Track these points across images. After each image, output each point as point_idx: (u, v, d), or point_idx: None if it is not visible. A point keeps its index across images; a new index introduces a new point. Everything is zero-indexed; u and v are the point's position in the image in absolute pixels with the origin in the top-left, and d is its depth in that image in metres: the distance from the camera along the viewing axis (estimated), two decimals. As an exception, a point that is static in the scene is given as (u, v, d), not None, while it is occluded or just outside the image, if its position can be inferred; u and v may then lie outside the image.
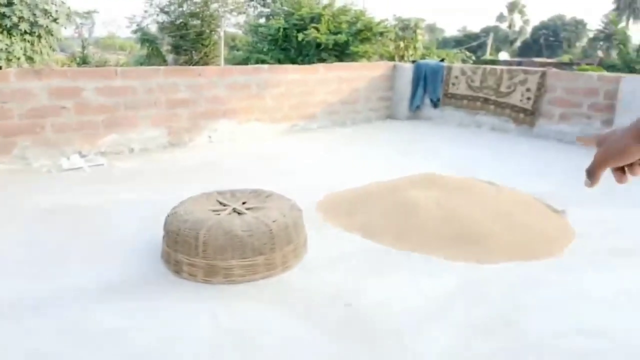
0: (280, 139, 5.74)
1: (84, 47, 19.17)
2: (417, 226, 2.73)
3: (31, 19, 11.40)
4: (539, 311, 2.05)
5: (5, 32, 11.20)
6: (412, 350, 1.81)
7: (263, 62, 10.53)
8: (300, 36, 10.81)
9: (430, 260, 2.50)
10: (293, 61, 10.73)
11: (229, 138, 5.56)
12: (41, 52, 12.24)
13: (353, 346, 1.83)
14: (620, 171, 0.85)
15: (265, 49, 11.89)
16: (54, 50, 13.35)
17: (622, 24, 15.34)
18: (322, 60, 10.00)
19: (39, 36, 12.07)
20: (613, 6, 38.17)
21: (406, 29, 12.51)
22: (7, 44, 11.27)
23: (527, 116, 5.91)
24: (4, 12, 10.92)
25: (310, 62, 9.75)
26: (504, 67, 6.36)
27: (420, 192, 3.04)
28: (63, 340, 1.86)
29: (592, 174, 0.86)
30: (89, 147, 4.62)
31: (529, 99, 5.89)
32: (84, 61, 17.71)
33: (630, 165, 0.85)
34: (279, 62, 10.86)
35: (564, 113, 5.59)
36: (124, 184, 3.89)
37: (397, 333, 1.91)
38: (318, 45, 10.78)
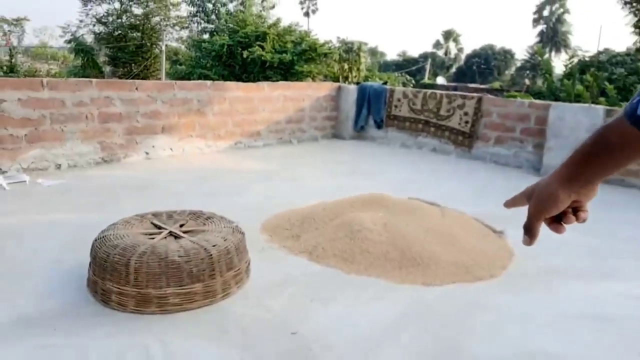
0: (223, 156, 5.56)
1: (11, 56, 17.90)
2: (364, 248, 2.68)
3: None
4: (484, 335, 2.04)
5: None
6: (361, 382, 1.72)
7: (206, 77, 10.28)
8: (245, 53, 10.71)
9: (377, 283, 2.45)
10: (238, 78, 10.59)
11: (168, 155, 5.30)
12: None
13: (298, 380, 1.71)
14: (556, 223, 0.84)
15: (208, 65, 11.66)
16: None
17: (546, 55, 16.66)
18: (267, 78, 9.94)
19: None
20: (537, 39, 41.53)
21: (349, 51, 12.78)
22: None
23: (465, 139, 6.14)
24: None
25: (255, 80, 9.65)
26: (443, 92, 6.61)
27: (366, 214, 3.00)
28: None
29: (529, 230, 0.83)
30: (9, 163, 4.21)
31: (467, 122, 6.13)
32: (11, 70, 16.48)
33: (564, 215, 0.83)
34: (223, 78, 10.66)
35: (499, 136, 5.87)
36: (48, 203, 3.55)
37: (345, 363, 1.81)
38: (263, 63, 10.73)
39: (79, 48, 17.39)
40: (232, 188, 4.19)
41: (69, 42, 18.07)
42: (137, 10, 18.79)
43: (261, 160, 5.45)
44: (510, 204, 0.94)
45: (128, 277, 2.12)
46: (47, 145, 4.42)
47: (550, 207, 0.81)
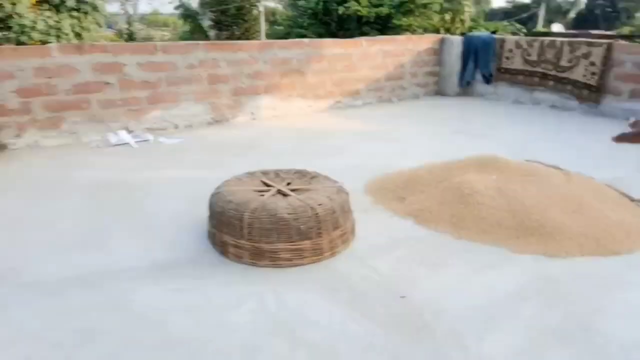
0: (324, 116, 5.55)
1: (129, 24, 19.43)
2: (476, 214, 2.50)
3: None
4: (623, 317, 1.81)
5: (53, 9, 11.41)
6: (477, 354, 1.62)
7: (304, 37, 10.27)
8: (341, 9, 10.44)
9: (492, 251, 2.28)
10: (334, 36, 10.41)
11: (272, 115, 5.42)
12: (89, 29, 12.43)
13: (407, 343, 1.67)
14: None
15: (305, 24, 11.60)
16: (100, 26, 13.55)
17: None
18: (364, 34, 9.63)
19: (85, 12, 12.23)
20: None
21: (451, 0, 11.85)
22: (56, 21, 11.48)
23: (591, 92, 5.43)
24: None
25: (352, 37, 9.43)
26: (564, 39, 5.84)
27: (478, 176, 2.79)
28: (109, 318, 1.81)
29: None
30: (135, 123, 4.61)
31: (593, 73, 5.40)
32: (130, 37, 17.97)
33: None
34: (320, 36, 10.56)
35: (635, 90, 5.09)
36: (169, 160, 3.84)
37: (458, 333, 1.72)
38: (359, 18, 10.39)
39: (186, 14, 18.34)
40: (334, 148, 4.17)
41: (177, 8, 19.07)
42: (236, -27, 19.16)
43: (361, 120, 5.34)
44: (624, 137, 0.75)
45: (242, 231, 2.21)
46: (165, 107, 4.75)
47: None
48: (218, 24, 18.62)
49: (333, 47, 5.80)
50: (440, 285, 2.04)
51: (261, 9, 20.27)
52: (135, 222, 2.69)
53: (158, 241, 2.45)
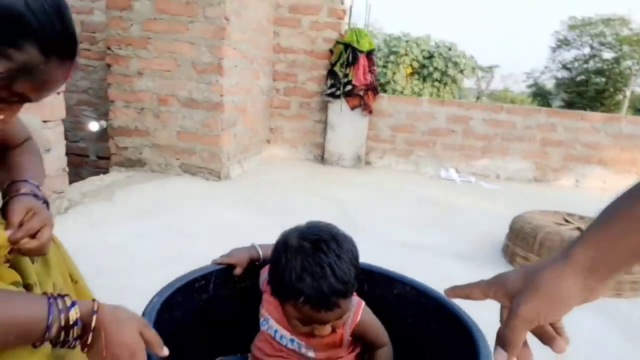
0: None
1: (478, 98, 21.35)
2: None
3: (443, 69, 13.81)
4: None
5: (421, 79, 14.06)
6: None
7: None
8: None
9: None
10: None
11: (599, 187, 5.28)
12: (443, 97, 14.65)
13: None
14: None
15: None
16: (454, 97, 15.68)
17: None
18: None
19: (445, 84, 14.46)
20: None
21: None
22: (420, 88, 14.11)
23: None
24: (424, 64, 13.73)
25: None
26: None
27: None
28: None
29: (513, 341, 0.58)
30: (464, 166, 5.49)
31: None
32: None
33: (544, 335, 0.62)
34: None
35: None
36: (483, 198, 4.48)
37: None
38: None
39: (538, 92, 18.70)
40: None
41: (530, 86, 19.68)
42: (607, 55, 18.22)
43: None
44: (458, 292, 0.70)
45: (533, 246, 2.61)
46: (493, 157, 5.44)
47: (562, 310, 0.57)
48: (570, 105, 18.13)
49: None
50: None
51: (628, 94, 18.49)
52: (447, 226, 3.44)
53: (461, 241, 3.11)
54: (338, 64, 5.10)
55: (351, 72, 5.05)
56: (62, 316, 0.73)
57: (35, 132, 2.67)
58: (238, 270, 1.17)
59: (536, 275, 0.59)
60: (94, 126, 4.53)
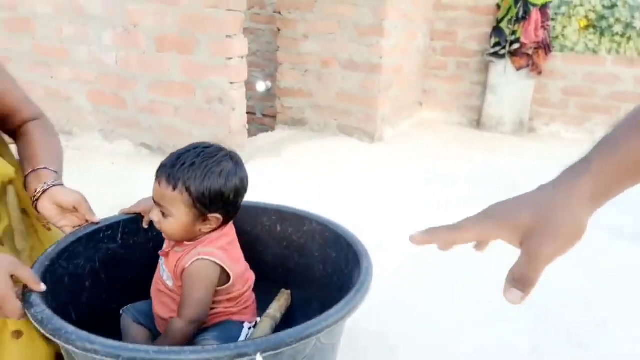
0: None
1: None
2: None
3: (628, 20, 11.65)
4: None
5: (597, 33, 12.11)
6: None
7: None
8: None
9: None
10: None
11: None
12: (626, 54, 12.45)
13: None
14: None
15: None
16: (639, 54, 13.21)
17: None
18: None
19: (629, 38, 12.23)
20: None
21: None
22: (595, 44, 12.18)
23: None
24: (603, 15, 11.74)
25: None
26: None
27: None
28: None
29: (533, 280, 0.55)
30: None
31: None
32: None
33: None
34: None
35: None
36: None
37: None
38: None
39: None
40: None
41: None
42: None
43: None
44: (427, 237, 0.61)
45: None
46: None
47: (574, 243, 0.56)
48: None
49: None
50: None
51: None
52: (623, 203, 3.01)
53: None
54: (505, 20, 4.65)
55: (520, 29, 4.58)
56: None
57: (223, 91, 3.00)
58: (147, 219, 1.17)
59: (553, 213, 0.56)
60: (260, 86, 4.91)
